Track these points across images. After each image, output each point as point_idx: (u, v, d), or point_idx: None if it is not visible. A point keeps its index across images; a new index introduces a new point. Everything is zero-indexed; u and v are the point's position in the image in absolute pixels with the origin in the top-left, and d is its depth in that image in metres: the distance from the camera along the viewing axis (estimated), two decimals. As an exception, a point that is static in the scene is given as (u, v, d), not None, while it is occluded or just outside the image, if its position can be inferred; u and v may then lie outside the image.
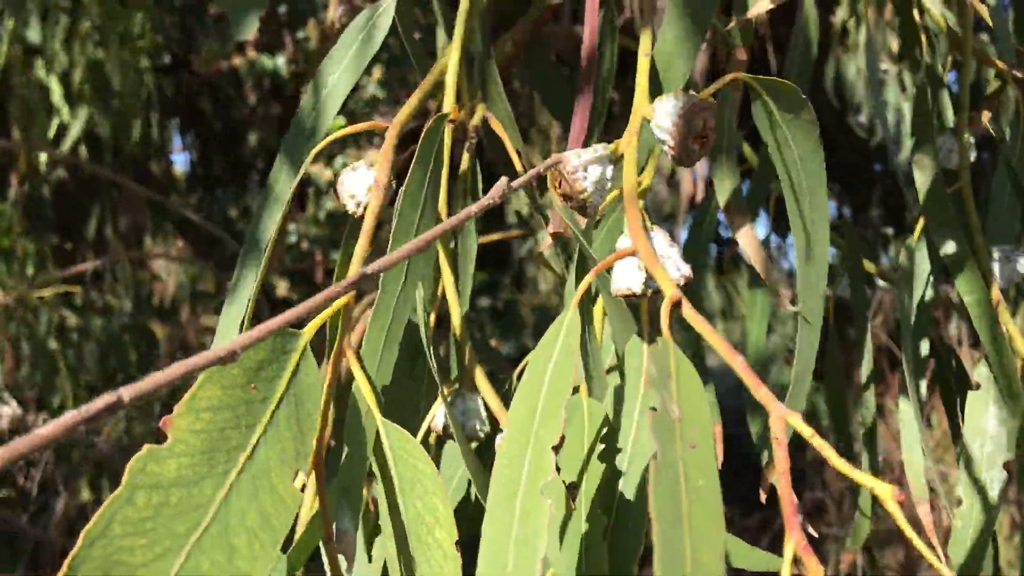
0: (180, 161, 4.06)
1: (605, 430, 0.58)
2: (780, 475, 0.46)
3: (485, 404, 0.69)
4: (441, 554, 0.53)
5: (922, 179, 0.83)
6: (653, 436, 0.40)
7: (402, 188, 0.63)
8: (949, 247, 0.83)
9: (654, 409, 0.42)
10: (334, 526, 0.56)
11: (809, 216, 0.65)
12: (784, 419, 0.47)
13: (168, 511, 0.44)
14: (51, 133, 2.82)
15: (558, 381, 0.49)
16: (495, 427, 0.70)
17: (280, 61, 3.07)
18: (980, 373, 0.82)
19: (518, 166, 0.84)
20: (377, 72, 2.83)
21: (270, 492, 0.48)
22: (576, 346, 0.49)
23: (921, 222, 0.88)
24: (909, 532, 0.45)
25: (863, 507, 1.03)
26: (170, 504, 0.44)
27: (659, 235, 0.61)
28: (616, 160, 0.64)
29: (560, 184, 0.63)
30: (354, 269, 0.58)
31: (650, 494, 0.38)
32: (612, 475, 0.57)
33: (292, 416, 0.51)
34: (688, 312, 0.53)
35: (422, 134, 0.66)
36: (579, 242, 0.61)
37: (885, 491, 0.45)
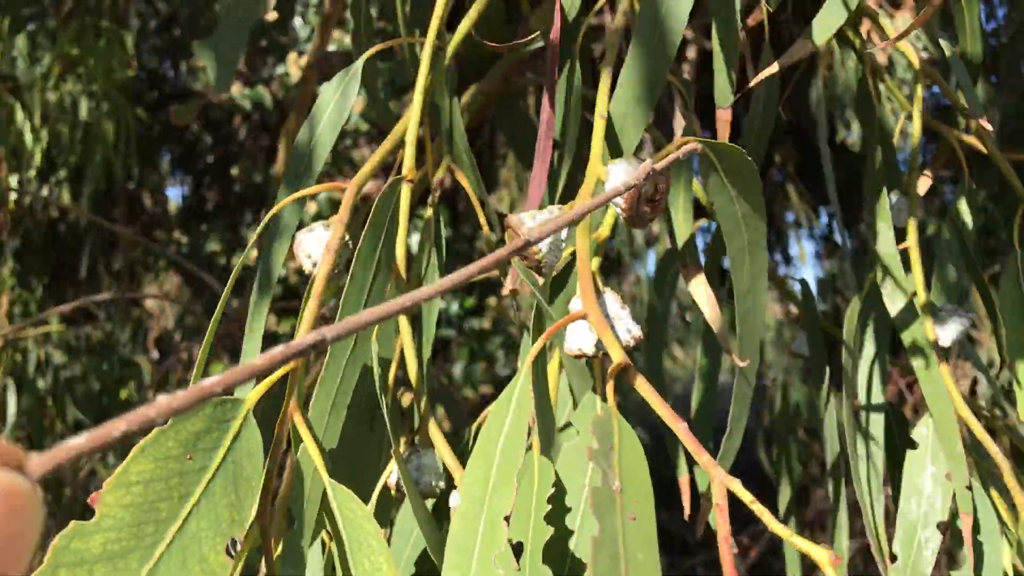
0: (174, 195, 4.05)
1: (555, 490, 0.57)
2: (722, 540, 0.46)
3: (440, 461, 0.68)
4: (386, 610, 0.52)
5: (879, 242, 0.83)
6: (592, 512, 0.40)
7: (356, 252, 0.62)
8: (897, 306, 0.83)
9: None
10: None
11: (749, 271, 0.65)
12: (725, 485, 0.47)
13: (92, 586, 0.43)
14: (34, 172, 2.82)
15: (510, 450, 0.49)
16: (451, 482, 0.69)
17: (264, 92, 3.09)
18: (919, 433, 0.82)
19: (481, 217, 0.84)
20: (359, 105, 2.84)
21: (200, 562, 0.47)
22: (528, 412, 0.49)
23: (869, 282, 0.88)
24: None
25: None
26: (95, 579, 0.44)
27: (611, 297, 0.61)
28: (572, 221, 0.64)
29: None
30: (303, 331, 0.57)
31: (589, 569, 0.37)
32: (562, 534, 0.56)
33: (230, 484, 0.50)
34: (635, 379, 0.52)
35: (377, 197, 0.66)
36: (536, 300, 0.60)
37: (822, 556, 0.45)
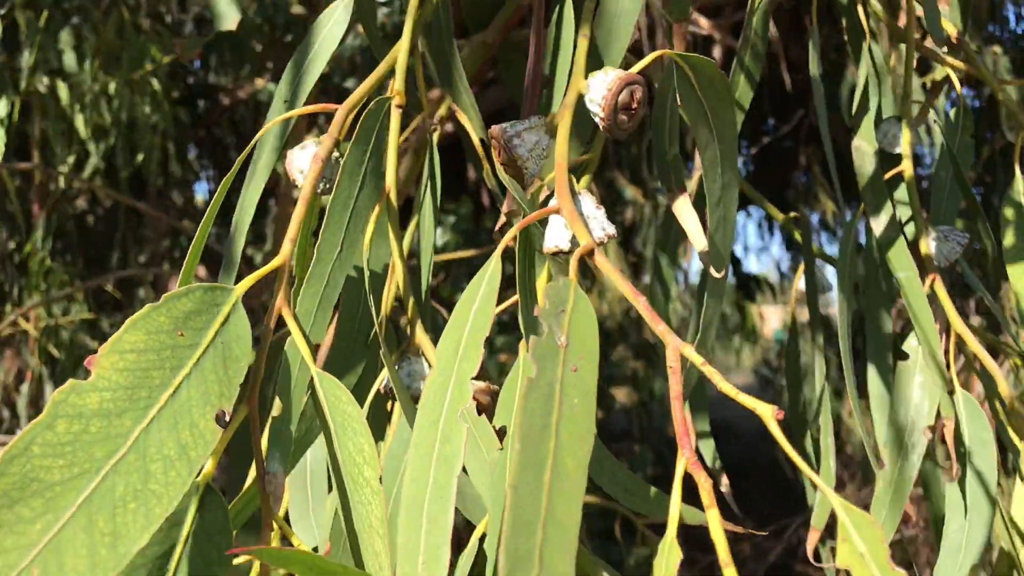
0: (201, 190, 4.11)
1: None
2: (674, 399, 0.48)
3: (430, 366, 0.71)
4: (369, 491, 0.55)
5: (860, 162, 0.85)
6: (531, 358, 0.43)
7: (342, 161, 0.65)
8: (882, 227, 0.85)
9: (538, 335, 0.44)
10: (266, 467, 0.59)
11: (721, 181, 0.68)
12: (679, 350, 0.49)
13: (87, 438, 0.47)
14: (70, 161, 2.89)
15: (479, 320, 0.52)
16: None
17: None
18: (909, 345, 0.84)
19: (482, 155, 0.87)
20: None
21: (190, 427, 0.50)
22: (496, 287, 0.52)
23: (861, 206, 0.90)
24: (788, 448, 0.46)
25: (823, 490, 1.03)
26: (90, 432, 0.47)
27: (586, 198, 0.63)
28: (553, 130, 0.67)
29: (499, 153, 0.66)
30: (291, 232, 0.61)
31: (516, 406, 0.40)
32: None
33: (219, 362, 0.53)
34: (599, 260, 0.55)
35: (363, 113, 0.69)
36: (517, 200, 0.63)
37: (765, 410, 0.47)
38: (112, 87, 2.74)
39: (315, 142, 0.69)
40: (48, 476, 0.45)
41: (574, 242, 0.62)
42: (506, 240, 0.56)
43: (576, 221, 0.57)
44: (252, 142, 0.69)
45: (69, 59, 2.74)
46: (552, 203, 0.63)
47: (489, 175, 0.88)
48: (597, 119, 0.65)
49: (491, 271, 0.53)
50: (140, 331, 0.51)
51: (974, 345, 0.85)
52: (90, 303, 3.12)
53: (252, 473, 0.76)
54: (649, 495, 0.83)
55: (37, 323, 2.95)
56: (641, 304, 0.52)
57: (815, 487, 1.08)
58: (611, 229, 0.62)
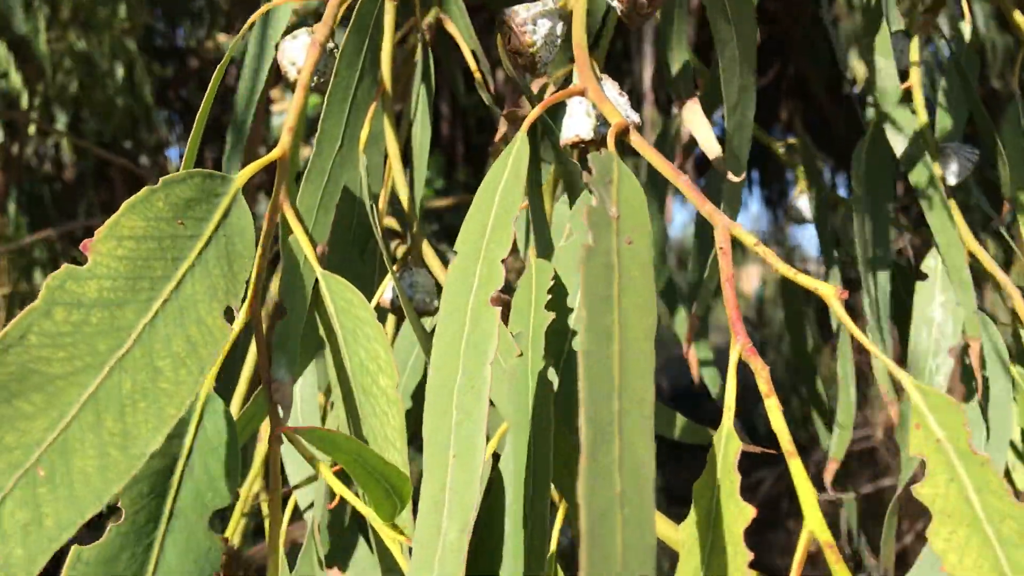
0: (172, 156, 3.99)
1: (553, 284, 0.57)
2: (725, 281, 0.45)
3: (434, 278, 0.67)
4: (385, 400, 0.51)
5: (873, 75, 0.82)
6: (587, 226, 0.39)
7: (339, 50, 0.61)
8: (901, 145, 0.82)
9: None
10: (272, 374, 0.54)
11: (739, 83, 0.65)
12: (728, 229, 0.46)
13: (89, 329, 0.42)
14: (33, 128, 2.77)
15: (507, 200, 0.48)
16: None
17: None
18: (928, 265, 0.82)
19: (473, 65, 0.82)
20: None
21: (197, 323, 0.46)
22: (525, 165, 0.48)
23: (873, 123, 0.87)
24: (850, 325, 0.43)
25: (842, 420, 1.02)
26: (91, 323, 0.43)
27: (609, 83, 0.60)
28: (566, 16, 0.62)
29: (509, 40, 0.61)
30: (290, 121, 0.56)
31: (580, 273, 0.36)
32: (561, 328, 0.56)
33: (222, 255, 0.49)
34: (635, 139, 0.51)
35: (357, 4, 0.64)
36: (526, 95, 0.59)
37: (828, 290, 0.44)
38: (74, 45, 2.62)
39: (307, 31, 0.64)
40: (48, 368, 0.41)
41: (598, 131, 0.58)
42: (531, 119, 0.51)
43: (604, 102, 0.53)
44: (246, 25, 0.64)
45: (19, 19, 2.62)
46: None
47: (481, 85, 0.83)
48: (615, 3, 0.61)
49: (517, 149, 0.49)
50: (138, 216, 0.46)
51: (989, 264, 0.83)
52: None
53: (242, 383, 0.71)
54: (673, 419, 0.80)
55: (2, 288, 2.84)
56: (683, 183, 0.48)
57: (829, 423, 1.06)
58: (635, 117, 0.59)
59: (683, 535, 0.45)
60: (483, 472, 0.40)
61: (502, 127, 0.85)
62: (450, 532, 0.40)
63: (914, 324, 0.81)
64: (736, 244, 0.46)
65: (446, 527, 0.40)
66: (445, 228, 2.74)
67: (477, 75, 0.83)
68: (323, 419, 0.71)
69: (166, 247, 0.47)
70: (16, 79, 2.64)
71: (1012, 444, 0.88)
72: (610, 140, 0.49)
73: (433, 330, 0.50)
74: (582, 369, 0.33)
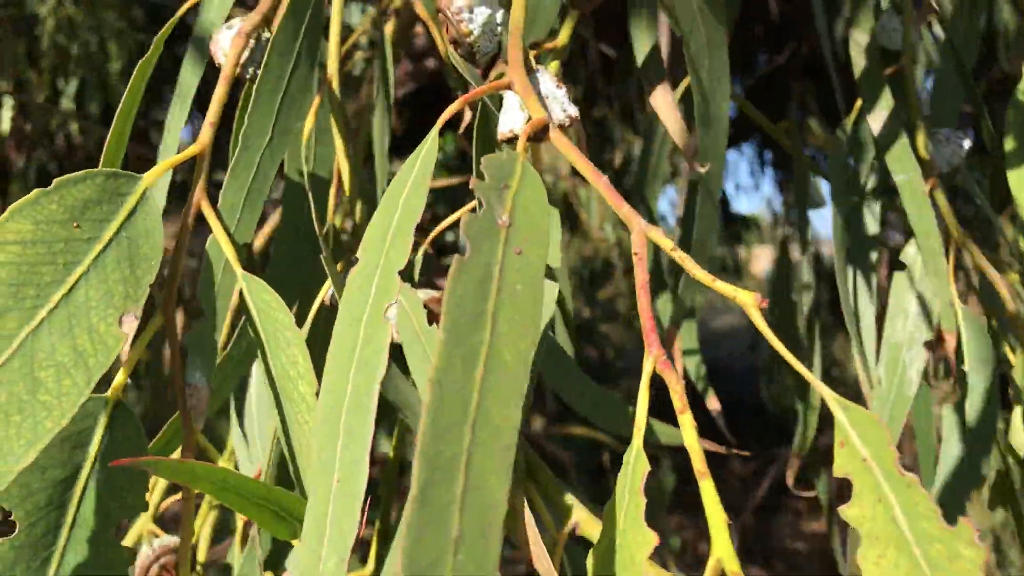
0: (183, 134, 3.99)
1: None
2: (640, 288, 0.42)
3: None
4: (305, 407, 0.49)
5: (858, 57, 0.77)
6: (465, 236, 0.36)
7: (272, 39, 0.58)
8: (881, 127, 0.78)
9: (473, 212, 0.38)
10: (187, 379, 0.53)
11: (709, 70, 0.61)
12: (644, 233, 0.43)
13: (-39, 340, 0.41)
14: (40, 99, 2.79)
15: (411, 204, 0.45)
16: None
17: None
18: (907, 254, 0.78)
19: (441, 48, 0.80)
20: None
21: (88, 331, 0.44)
22: (430, 170, 0.45)
23: (858, 103, 0.83)
24: (768, 334, 0.40)
25: (808, 420, 0.99)
26: (-36, 333, 0.41)
27: (545, 76, 0.56)
28: (507, 4, 0.59)
29: (448, 29, 0.59)
30: (211, 116, 0.54)
31: (445, 291, 0.34)
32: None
33: (123, 259, 0.47)
34: (556, 137, 0.48)
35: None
36: (465, 81, 0.56)
37: (747, 298, 0.41)
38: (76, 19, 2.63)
39: (242, 19, 0.62)
40: (-89, 383, 0.39)
41: (531, 125, 0.55)
42: (446, 115, 0.49)
43: (529, 95, 0.50)
44: (177, 14, 0.61)
45: None
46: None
47: (450, 67, 0.80)
48: (559, -12, 0.58)
49: (426, 151, 0.47)
50: (26, 220, 0.44)
51: (977, 256, 0.79)
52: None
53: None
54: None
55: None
56: (602, 185, 0.45)
57: (803, 413, 1.03)
58: (573, 110, 0.55)
59: (589, 561, 0.42)
60: (365, 498, 0.38)
61: (467, 116, 0.82)
62: (328, 561, 0.37)
63: (889, 315, 0.78)
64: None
65: (325, 555, 0.38)
66: (455, 205, 2.70)
67: (446, 58, 0.80)
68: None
69: (57, 251, 0.45)
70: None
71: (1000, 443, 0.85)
72: (521, 139, 0.46)
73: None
74: (427, 398, 0.30)
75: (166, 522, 0.73)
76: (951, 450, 0.82)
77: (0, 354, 0.41)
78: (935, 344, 0.77)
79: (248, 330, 0.57)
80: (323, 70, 0.67)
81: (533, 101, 0.50)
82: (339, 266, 0.67)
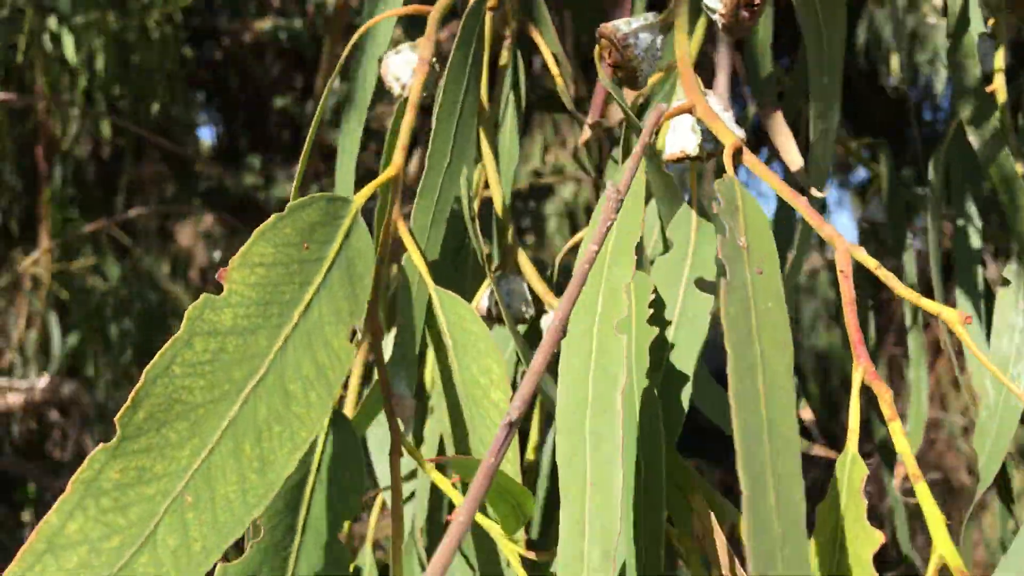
0: (206, 135, 4.03)
1: (653, 298, 0.57)
2: (846, 305, 0.45)
3: (529, 287, 0.68)
4: (497, 413, 0.52)
5: (961, 79, 0.80)
6: (721, 258, 0.39)
7: (446, 66, 0.61)
8: (982, 144, 0.80)
9: (723, 236, 0.41)
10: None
11: (824, 89, 0.64)
12: (849, 252, 0.46)
13: (226, 357, 0.44)
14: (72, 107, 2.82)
15: (629, 221, 0.48)
16: (539, 309, 0.69)
17: (298, 25, 3.06)
18: (1010, 270, 0.80)
19: (554, 69, 0.82)
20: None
21: (324, 346, 0.47)
22: (644, 187, 0.48)
23: (954, 124, 0.85)
24: (973, 347, 0.43)
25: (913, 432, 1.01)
26: (227, 351, 0.44)
27: (714, 99, 0.59)
28: (665, 30, 0.62)
29: (610, 54, 0.61)
30: (403, 140, 0.57)
31: (722, 309, 0.37)
32: (660, 343, 0.56)
33: (345, 277, 0.50)
34: (750, 159, 0.51)
35: (463, 17, 0.65)
36: (623, 112, 0.59)
37: (951, 315, 0.44)
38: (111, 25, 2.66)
39: (410, 47, 0.65)
40: (191, 397, 0.42)
41: (703, 146, 0.58)
42: (645, 136, 0.51)
43: (715, 119, 0.53)
44: (349, 43, 0.64)
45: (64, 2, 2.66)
46: (676, 103, 0.59)
47: (563, 91, 0.83)
48: (716, 16, 0.61)
49: (634, 190, 0.49)
50: (268, 243, 0.47)
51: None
52: (100, 247, 3.07)
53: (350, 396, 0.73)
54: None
55: (47, 268, 2.90)
56: (801, 205, 0.48)
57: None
58: (742, 133, 0.58)
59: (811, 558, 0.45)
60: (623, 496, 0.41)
61: (585, 134, 0.85)
62: (593, 556, 0.40)
63: (995, 331, 0.80)
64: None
65: (588, 551, 0.41)
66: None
67: (559, 81, 0.83)
68: (422, 424, 0.72)
69: (294, 272, 0.48)
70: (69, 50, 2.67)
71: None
72: (727, 162, 0.49)
73: (537, 343, 0.51)
74: (735, 410, 0.33)
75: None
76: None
77: (257, 370, 0.44)
78: None
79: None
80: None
81: (720, 125, 0.53)
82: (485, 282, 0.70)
